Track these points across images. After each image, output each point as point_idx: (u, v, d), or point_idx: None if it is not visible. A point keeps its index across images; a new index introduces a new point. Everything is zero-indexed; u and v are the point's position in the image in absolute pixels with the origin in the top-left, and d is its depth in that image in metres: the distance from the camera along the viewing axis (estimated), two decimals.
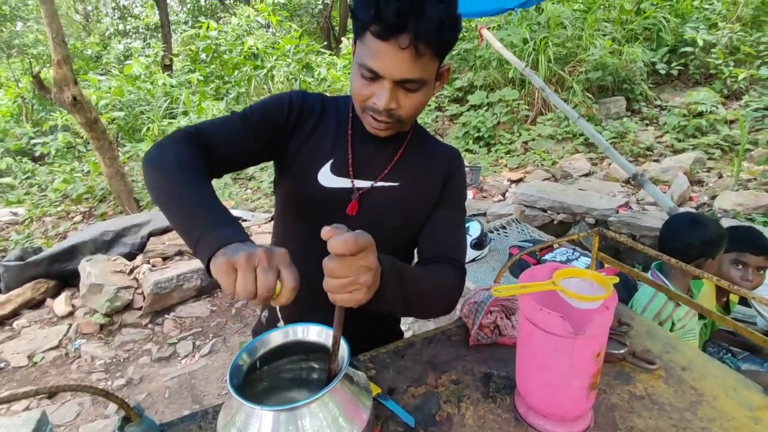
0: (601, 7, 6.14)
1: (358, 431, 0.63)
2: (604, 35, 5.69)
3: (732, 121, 4.71)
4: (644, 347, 0.94)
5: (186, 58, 9.51)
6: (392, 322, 1.17)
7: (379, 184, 0.93)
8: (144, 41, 11.72)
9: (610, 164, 4.36)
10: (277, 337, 0.73)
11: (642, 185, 3.06)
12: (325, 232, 0.60)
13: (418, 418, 0.78)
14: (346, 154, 0.92)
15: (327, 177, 0.91)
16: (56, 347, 2.85)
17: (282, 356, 0.75)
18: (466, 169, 4.40)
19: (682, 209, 3.19)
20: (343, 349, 0.69)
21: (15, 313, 3.21)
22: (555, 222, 3.62)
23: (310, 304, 0.83)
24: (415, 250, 1.01)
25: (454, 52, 7.03)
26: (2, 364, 2.74)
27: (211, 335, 2.99)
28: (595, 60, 5.34)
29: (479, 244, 2.81)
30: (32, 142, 7.36)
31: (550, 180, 4.39)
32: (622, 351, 0.89)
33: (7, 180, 6.41)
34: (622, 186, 3.93)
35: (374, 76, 0.78)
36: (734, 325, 0.89)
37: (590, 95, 5.45)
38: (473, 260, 2.81)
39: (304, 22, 11.90)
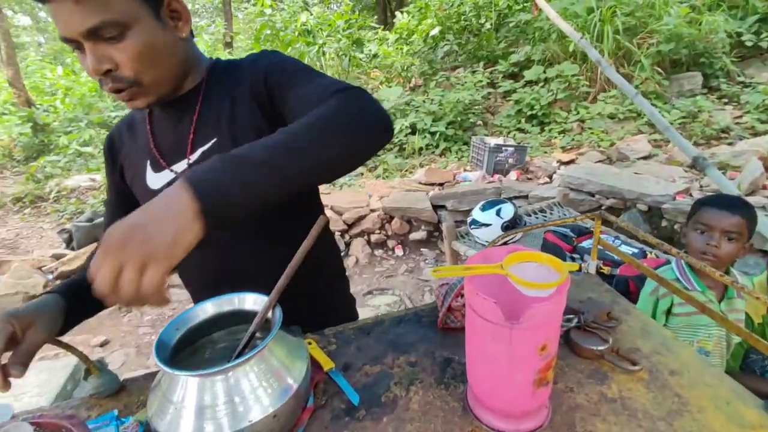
0: None
1: (277, 403, 0.62)
2: (681, 2, 5.06)
3: None
4: (633, 345, 0.84)
5: (249, 37, 9.80)
6: (344, 306, 1.11)
7: (195, 156, 0.82)
8: (210, 20, 12.23)
9: (675, 147, 3.94)
10: (210, 308, 0.73)
11: (704, 170, 2.74)
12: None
13: (364, 397, 0.76)
14: (152, 150, 0.86)
15: (152, 178, 0.86)
16: None
17: (222, 327, 0.76)
18: (511, 149, 4.18)
19: (751, 198, 2.82)
20: (275, 315, 0.68)
21: (82, 269, 3.57)
22: (603, 207, 3.36)
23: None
24: None
25: (511, 24, 6.63)
26: None
27: None
28: (668, 30, 4.79)
29: (511, 227, 2.68)
30: (112, 114, 8.03)
31: (604, 162, 4.06)
32: (601, 347, 0.80)
33: (89, 149, 7.07)
34: (686, 171, 3.55)
35: (75, 45, 0.68)
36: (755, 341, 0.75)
37: (661, 70, 4.92)
38: (504, 243, 2.69)
39: None
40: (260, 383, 0.62)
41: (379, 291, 3.20)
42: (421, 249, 3.72)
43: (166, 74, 0.75)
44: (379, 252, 3.71)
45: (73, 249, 4.08)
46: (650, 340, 0.86)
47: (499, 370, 0.63)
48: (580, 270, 0.90)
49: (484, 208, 2.72)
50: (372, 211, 3.84)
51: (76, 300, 0.82)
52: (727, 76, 4.88)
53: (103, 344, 2.81)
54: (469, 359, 0.71)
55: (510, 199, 3.32)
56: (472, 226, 2.76)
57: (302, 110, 0.67)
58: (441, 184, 4.22)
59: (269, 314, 0.71)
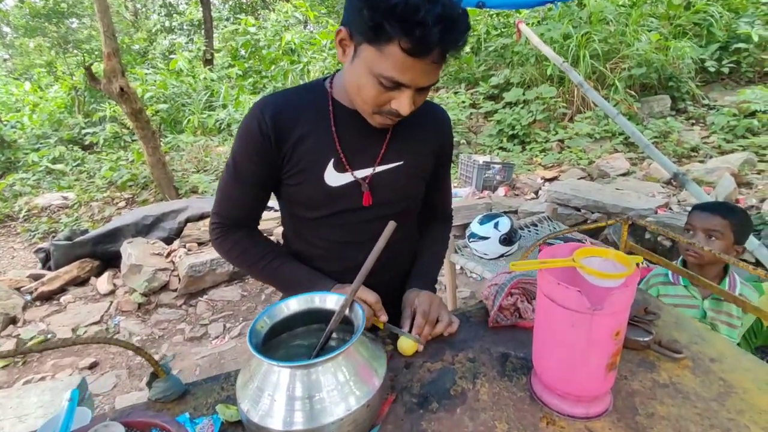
0: (647, 2, 5.89)
1: (369, 393, 0.65)
2: (650, 30, 5.45)
3: None
4: (671, 337, 0.91)
5: (227, 54, 9.82)
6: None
7: (380, 168, 0.92)
8: (188, 37, 12.17)
9: (650, 164, 4.19)
10: (294, 304, 0.76)
11: (684, 185, 2.92)
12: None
13: (433, 391, 0.79)
14: (338, 150, 0.89)
15: (333, 176, 0.90)
16: (98, 322, 3.02)
17: (300, 324, 0.78)
18: (498, 166, 4.33)
19: None
20: (358, 316, 0.71)
21: (62, 289, 3.43)
22: (589, 221, 3.52)
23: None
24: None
25: (490, 49, 6.93)
26: (49, 335, 2.93)
27: (241, 318, 3.09)
28: (639, 56, 5.14)
29: (508, 239, 2.76)
30: (83, 131, 7.81)
31: (585, 179, 4.27)
32: (646, 339, 0.86)
33: (60, 167, 6.82)
34: (663, 186, 3.77)
35: (394, 86, 0.76)
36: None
37: (633, 93, 5.25)
38: (502, 256, 2.77)
39: (342, 18, 12.08)
40: (353, 375, 0.65)
41: None
42: None
43: None
44: None
45: (50, 269, 3.91)
46: (686, 332, 0.93)
47: (576, 356, 0.68)
48: None
49: (482, 222, 2.79)
50: None
51: None
52: (693, 99, 5.26)
53: (91, 366, 2.69)
54: (538, 349, 0.76)
55: (503, 212, 3.43)
56: (471, 240, 2.83)
57: (439, 194, 1.11)
58: None
59: (350, 313, 0.74)
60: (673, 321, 0.97)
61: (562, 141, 5.28)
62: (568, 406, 0.73)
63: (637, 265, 0.70)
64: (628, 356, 0.86)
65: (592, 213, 3.50)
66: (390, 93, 0.77)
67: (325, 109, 0.90)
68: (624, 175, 4.19)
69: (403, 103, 0.78)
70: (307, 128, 0.88)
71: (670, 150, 4.41)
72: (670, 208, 3.29)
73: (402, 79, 0.74)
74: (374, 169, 0.92)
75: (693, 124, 4.93)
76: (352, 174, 0.91)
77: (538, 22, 6.28)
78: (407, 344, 0.87)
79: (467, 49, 7.25)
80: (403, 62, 0.72)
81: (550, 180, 4.35)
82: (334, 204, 0.92)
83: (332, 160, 0.89)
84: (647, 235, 3.24)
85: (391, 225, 0.78)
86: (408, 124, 0.92)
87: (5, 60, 18.43)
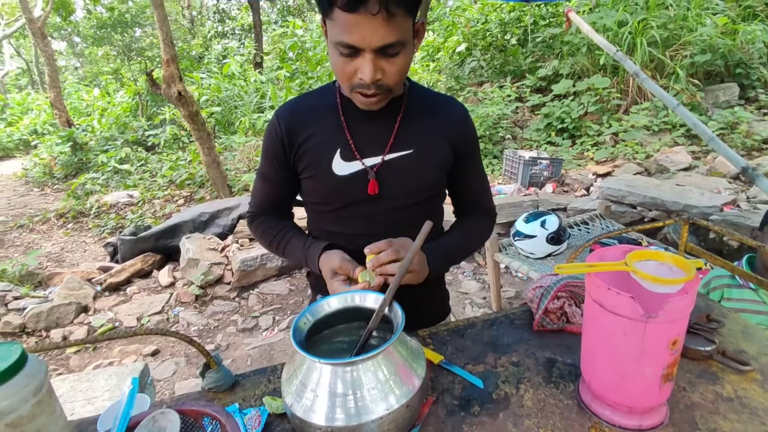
0: None
1: (409, 394, 0.65)
2: (715, 14, 5.03)
3: None
4: (738, 347, 0.84)
5: (275, 56, 10.12)
6: (442, 300, 1.18)
7: (389, 156, 0.93)
8: (239, 41, 12.66)
9: (715, 158, 3.88)
10: (335, 302, 0.77)
11: (753, 180, 2.68)
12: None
13: (475, 394, 0.78)
14: (347, 138, 0.92)
15: (340, 165, 0.92)
16: (159, 312, 3.23)
17: (341, 322, 0.80)
18: (546, 161, 4.18)
19: None
20: (398, 315, 0.72)
21: (128, 281, 3.69)
22: (646, 219, 3.32)
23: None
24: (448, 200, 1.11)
25: (538, 39, 6.69)
26: (117, 323, 3.16)
27: (289, 312, 3.19)
28: (703, 42, 4.76)
29: (556, 238, 2.67)
30: (146, 134, 8.34)
31: (642, 174, 4.02)
32: (708, 348, 0.81)
33: (126, 167, 7.33)
34: (730, 182, 3.48)
35: (353, 51, 0.76)
36: None
37: (696, 81, 4.87)
38: (549, 255, 2.68)
39: None
40: (392, 374, 0.66)
41: None
42: None
43: (403, 83, 0.93)
44: None
45: (117, 262, 4.22)
46: (754, 342, 0.86)
47: (628, 366, 0.65)
48: None
49: (528, 220, 2.72)
50: None
51: None
52: (765, 86, 4.80)
53: (153, 353, 2.88)
54: (587, 356, 0.73)
55: (551, 210, 3.31)
56: (516, 238, 2.76)
57: (469, 188, 1.06)
58: None
59: (389, 313, 0.75)
60: (740, 329, 0.90)
61: (616, 134, 5.00)
62: (619, 417, 0.69)
63: (699, 269, 0.66)
64: (687, 366, 0.81)
65: (650, 211, 3.29)
66: (353, 62, 0.78)
67: (334, 104, 0.94)
68: (685, 169, 3.91)
69: (364, 69, 0.77)
70: (316, 125, 0.94)
71: (738, 142, 4.06)
72: (738, 206, 3.04)
73: (351, 40, 0.74)
74: (383, 158, 0.92)
75: (765, 114, 4.50)
76: (361, 162, 0.92)
77: (590, 9, 5.97)
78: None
79: (513, 41, 7.04)
80: (347, 21, 0.72)
81: (603, 175, 4.14)
82: (343, 195, 0.95)
83: (339, 149, 0.92)
84: (711, 235, 3.01)
85: (428, 225, 0.79)
86: (416, 112, 0.95)
87: (77, 68, 20.04)
